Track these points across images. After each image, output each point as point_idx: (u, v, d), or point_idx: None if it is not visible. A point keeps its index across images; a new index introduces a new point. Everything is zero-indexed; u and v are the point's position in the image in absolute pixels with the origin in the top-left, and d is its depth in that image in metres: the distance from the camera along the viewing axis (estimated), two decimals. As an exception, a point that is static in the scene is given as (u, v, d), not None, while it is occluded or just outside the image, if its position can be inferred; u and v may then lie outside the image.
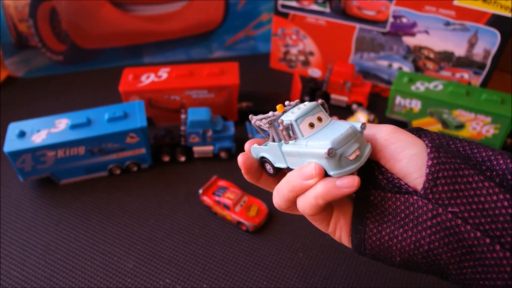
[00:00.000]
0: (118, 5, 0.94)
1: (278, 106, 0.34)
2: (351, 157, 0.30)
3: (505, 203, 0.27)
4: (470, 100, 0.75)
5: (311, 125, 0.32)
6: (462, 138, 0.32)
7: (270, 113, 0.34)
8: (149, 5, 0.96)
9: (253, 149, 0.37)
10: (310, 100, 0.89)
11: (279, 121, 0.33)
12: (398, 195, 0.30)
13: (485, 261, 0.28)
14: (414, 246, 0.29)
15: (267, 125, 0.34)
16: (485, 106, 0.74)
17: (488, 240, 0.27)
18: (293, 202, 0.33)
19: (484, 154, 0.30)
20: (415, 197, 0.29)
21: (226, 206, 0.65)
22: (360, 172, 0.32)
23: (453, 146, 0.31)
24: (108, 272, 0.59)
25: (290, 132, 0.32)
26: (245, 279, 0.59)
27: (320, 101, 0.33)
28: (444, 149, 0.30)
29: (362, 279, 0.59)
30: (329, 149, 0.29)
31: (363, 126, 0.31)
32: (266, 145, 0.36)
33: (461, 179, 0.28)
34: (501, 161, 0.29)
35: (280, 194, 0.33)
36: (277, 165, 0.35)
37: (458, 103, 0.75)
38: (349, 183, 0.29)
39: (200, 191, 0.67)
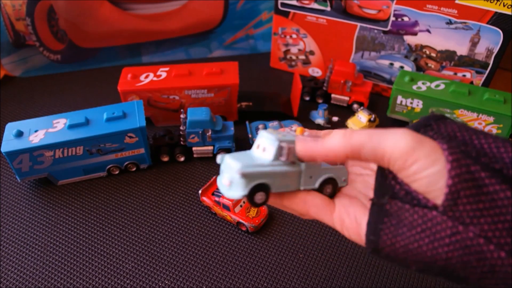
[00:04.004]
0: (116, 4, 0.94)
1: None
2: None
3: None
4: (472, 100, 0.75)
5: None
6: (487, 133, 0.30)
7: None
8: (148, 4, 0.95)
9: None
10: (311, 99, 0.89)
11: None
12: (416, 208, 0.28)
13: (509, 281, 0.26)
14: (430, 260, 0.28)
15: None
16: (488, 106, 0.73)
17: None
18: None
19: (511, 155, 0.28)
20: (434, 212, 0.27)
21: (225, 207, 0.64)
22: (377, 178, 0.31)
23: (476, 142, 0.29)
24: (106, 273, 0.59)
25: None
26: (245, 280, 0.58)
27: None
28: (467, 158, 0.27)
29: (363, 280, 0.58)
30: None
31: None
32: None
33: (485, 196, 0.26)
34: None
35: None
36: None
37: (460, 102, 0.75)
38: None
39: (200, 191, 0.66)
